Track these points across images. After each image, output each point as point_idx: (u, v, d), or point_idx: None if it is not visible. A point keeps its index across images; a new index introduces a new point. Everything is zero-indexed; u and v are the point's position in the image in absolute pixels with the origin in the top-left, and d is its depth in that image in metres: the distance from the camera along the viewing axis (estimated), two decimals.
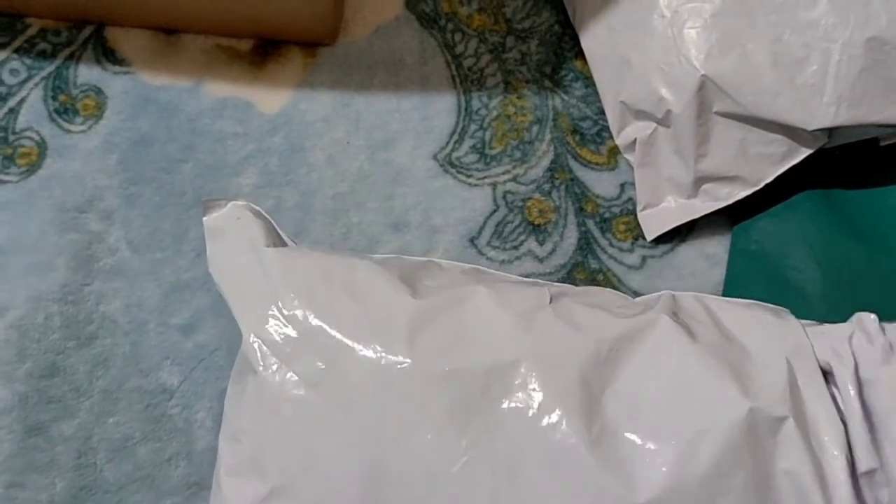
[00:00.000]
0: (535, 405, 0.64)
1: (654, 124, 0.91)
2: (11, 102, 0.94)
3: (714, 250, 0.92)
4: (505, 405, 0.64)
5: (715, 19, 0.86)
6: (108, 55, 0.97)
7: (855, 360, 0.67)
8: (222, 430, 0.69)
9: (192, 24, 0.98)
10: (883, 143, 0.88)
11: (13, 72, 0.96)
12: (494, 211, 0.93)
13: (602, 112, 0.97)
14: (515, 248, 0.91)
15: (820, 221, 0.90)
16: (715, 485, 0.61)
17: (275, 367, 0.66)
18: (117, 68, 0.97)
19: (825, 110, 0.83)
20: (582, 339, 0.67)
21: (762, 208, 0.91)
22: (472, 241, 0.91)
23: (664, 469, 0.61)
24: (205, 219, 0.74)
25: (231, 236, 0.73)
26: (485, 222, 0.92)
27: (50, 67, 0.96)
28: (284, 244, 0.75)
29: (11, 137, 0.93)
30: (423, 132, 0.96)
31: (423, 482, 0.63)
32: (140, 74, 0.97)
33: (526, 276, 0.89)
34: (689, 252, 0.92)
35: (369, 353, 0.65)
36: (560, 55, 1.01)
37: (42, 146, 0.93)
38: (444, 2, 1.03)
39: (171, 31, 0.99)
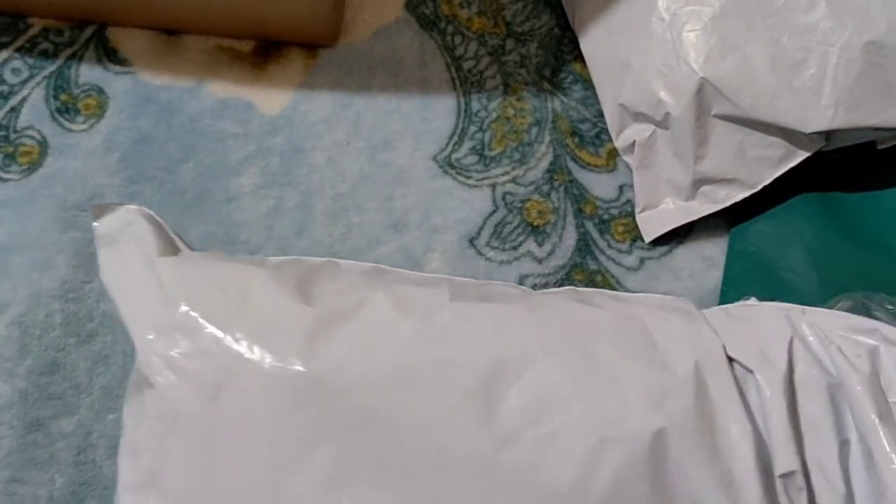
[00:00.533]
0: (435, 412, 0.63)
1: (653, 126, 0.91)
2: (13, 101, 0.95)
3: (712, 252, 0.93)
4: (404, 413, 0.63)
5: (714, 22, 0.87)
6: (109, 55, 0.98)
7: (790, 363, 0.67)
8: (121, 444, 0.67)
9: (194, 24, 0.98)
10: (880, 147, 0.88)
11: (15, 71, 0.96)
12: (494, 212, 0.93)
13: (601, 114, 0.98)
14: (514, 248, 0.92)
15: (817, 224, 0.90)
16: (616, 495, 0.61)
17: (172, 381, 0.64)
18: (119, 68, 0.97)
19: (823, 113, 0.84)
20: (483, 339, 0.66)
21: (760, 211, 0.92)
22: (471, 241, 0.92)
23: (568, 473, 0.61)
24: (95, 224, 0.72)
25: (123, 244, 0.71)
26: (484, 223, 0.93)
27: (52, 67, 0.97)
28: (178, 250, 0.73)
29: (13, 136, 0.93)
30: (423, 133, 0.97)
31: (322, 498, 0.62)
32: (141, 74, 0.97)
33: (525, 277, 0.90)
34: (687, 254, 0.92)
35: (265, 365, 0.64)
36: (559, 58, 1.02)
37: (43, 145, 0.93)
38: (445, 4, 1.04)
39: (173, 32, 0.99)
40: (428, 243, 0.91)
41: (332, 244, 0.91)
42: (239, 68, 0.98)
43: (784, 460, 0.64)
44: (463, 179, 0.95)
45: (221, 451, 0.63)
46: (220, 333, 0.65)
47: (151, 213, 0.73)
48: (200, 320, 0.65)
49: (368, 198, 0.93)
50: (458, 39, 1.02)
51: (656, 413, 0.63)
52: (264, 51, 1.00)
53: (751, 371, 0.67)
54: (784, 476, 0.64)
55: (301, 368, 0.63)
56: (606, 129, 0.97)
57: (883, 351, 0.67)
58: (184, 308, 0.66)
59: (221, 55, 0.99)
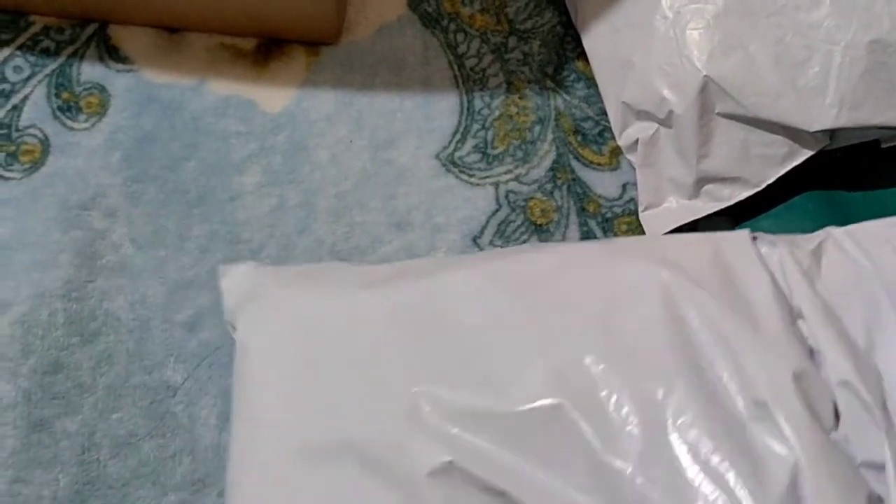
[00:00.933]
0: None
1: (656, 125, 0.91)
2: (15, 100, 0.94)
3: None
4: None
5: (717, 20, 0.87)
6: (111, 53, 0.98)
7: (819, 247, 0.73)
8: None
9: (196, 22, 0.98)
10: (884, 145, 0.88)
11: (17, 69, 0.96)
12: (497, 210, 0.93)
13: (604, 112, 0.98)
14: None
15: (821, 223, 0.89)
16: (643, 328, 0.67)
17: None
18: (121, 66, 0.97)
19: (827, 112, 0.83)
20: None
21: (763, 209, 0.91)
22: (474, 240, 0.92)
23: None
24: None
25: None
26: (487, 221, 0.93)
27: (53, 65, 0.97)
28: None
29: (15, 135, 0.93)
30: (426, 132, 0.97)
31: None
32: (143, 72, 0.97)
33: None
34: None
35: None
36: (562, 56, 1.02)
37: (45, 143, 0.93)
38: (447, 2, 1.03)
39: (175, 30, 0.99)
40: (431, 242, 0.91)
41: (334, 243, 0.91)
42: (241, 66, 0.98)
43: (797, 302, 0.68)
44: (466, 178, 0.95)
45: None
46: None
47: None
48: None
49: (371, 196, 0.93)
50: (460, 37, 1.02)
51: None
52: (266, 49, 1.00)
53: (775, 245, 0.72)
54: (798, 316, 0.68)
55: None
56: (609, 128, 0.97)
57: None
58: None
59: (223, 53, 0.99)
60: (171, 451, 0.82)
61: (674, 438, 0.62)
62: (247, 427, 0.69)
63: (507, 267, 0.73)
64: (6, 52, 0.96)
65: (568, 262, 0.73)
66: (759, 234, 0.74)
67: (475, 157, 0.96)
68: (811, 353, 0.66)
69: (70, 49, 0.97)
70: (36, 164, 0.91)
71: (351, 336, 0.70)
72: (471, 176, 0.95)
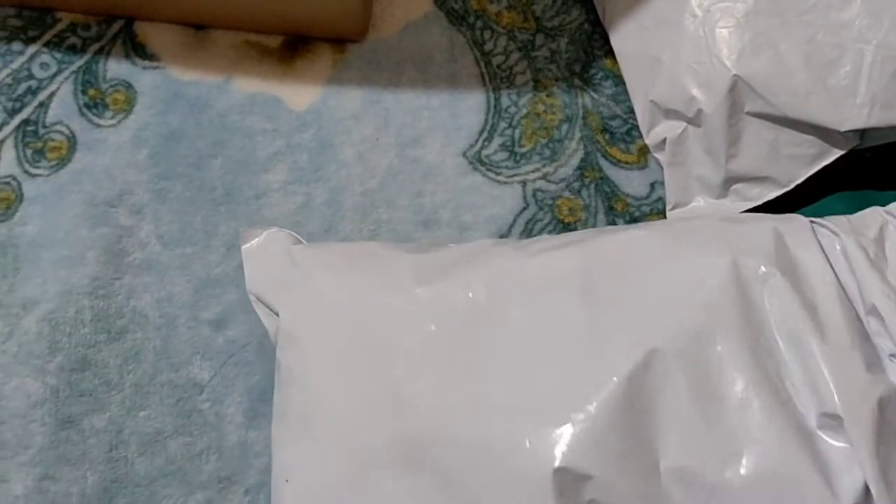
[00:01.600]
0: None
1: (685, 124, 0.90)
2: (42, 96, 0.94)
3: None
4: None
5: (747, 19, 0.86)
6: (137, 50, 0.98)
7: (881, 231, 0.72)
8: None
9: (223, 19, 0.98)
10: None
11: (43, 66, 0.96)
12: (524, 209, 0.93)
13: (632, 111, 0.97)
14: None
15: None
16: (712, 321, 0.65)
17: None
18: (147, 63, 0.97)
19: (857, 111, 0.83)
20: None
21: (792, 209, 0.91)
22: (501, 238, 0.91)
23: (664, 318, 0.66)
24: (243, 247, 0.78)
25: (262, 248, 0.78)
26: (514, 220, 0.92)
27: (80, 62, 0.97)
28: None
29: (42, 131, 0.93)
30: (453, 130, 0.96)
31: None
32: (169, 69, 0.97)
33: None
34: None
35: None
36: (590, 53, 1.01)
37: (72, 140, 0.93)
38: None
39: (201, 27, 0.99)
40: (458, 240, 0.90)
41: (361, 241, 0.90)
42: (267, 63, 0.98)
43: (868, 297, 0.67)
44: (493, 176, 0.94)
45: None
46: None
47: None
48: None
49: (398, 194, 0.93)
50: (487, 34, 1.01)
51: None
52: (292, 46, 0.99)
53: (836, 234, 0.71)
54: (870, 312, 0.67)
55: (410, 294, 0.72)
56: (637, 126, 0.96)
57: None
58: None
59: (250, 50, 0.98)
60: (197, 449, 0.82)
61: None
62: (303, 422, 0.69)
63: (572, 259, 0.72)
64: (33, 48, 0.96)
65: (632, 251, 0.72)
66: (816, 221, 0.73)
67: (502, 155, 0.95)
68: (889, 356, 0.65)
69: (96, 46, 0.97)
70: (63, 161, 0.91)
71: (414, 336, 0.69)
72: (498, 174, 0.94)
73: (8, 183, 0.90)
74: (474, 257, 0.74)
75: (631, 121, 0.97)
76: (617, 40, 0.98)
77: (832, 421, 0.62)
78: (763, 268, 0.68)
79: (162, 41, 0.98)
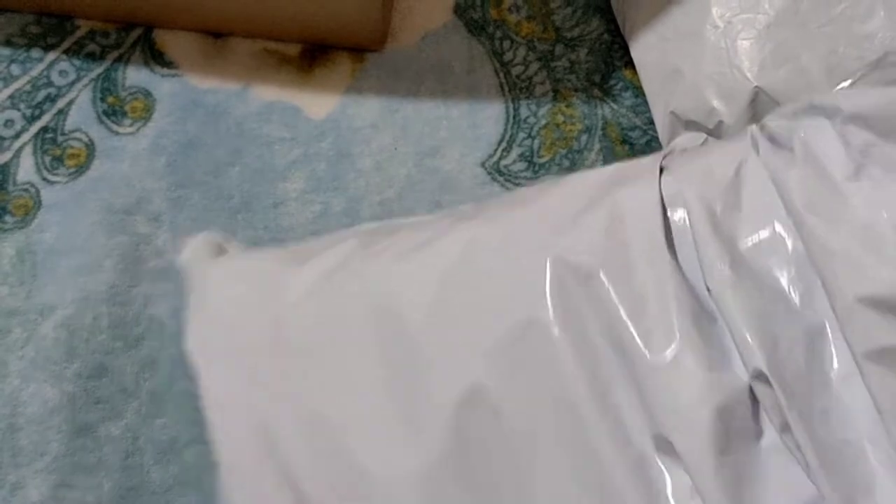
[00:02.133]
0: None
1: (705, 135, 0.90)
2: (60, 103, 0.95)
3: None
4: None
5: (768, 30, 0.86)
6: (156, 58, 0.98)
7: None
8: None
9: (241, 27, 0.98)
10: None
11: (62, 73, 0.96)
12: None
13: (651, 122, 0.97)
14: None
15: None
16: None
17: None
18: (165, 71, 0.97)
19: None
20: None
21: None
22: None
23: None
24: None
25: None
26: None
27: (99, 69, 0.97)
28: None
29: (60, 138, 0.93)
30: (471, 140, 0.96)
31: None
32: (188, 77, 0.97)
33: None
34: None
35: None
36: (609, 64, 1.01)
37: (91, 147, 0.93)
38: (493, 9, 1.03)
39: (220, 35, 0.99)
40: None
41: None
42: (286, 72, 0.98)
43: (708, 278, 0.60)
44: (512, 186, 0.94)
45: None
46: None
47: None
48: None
49: (416, 204, 0.93)
50: (506, 44, 1.01)
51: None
52: (311, 55, 0.99)
53: (681, 194, 0.63)
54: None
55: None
56: (657, 137, 0.96)
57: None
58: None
59: (268, 58, 0.98)
60: (213, 458, 0.81)
61: None
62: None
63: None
64: (52, 55, 0.97)
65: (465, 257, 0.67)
66: (670, 162, 0.66)
67: (521, 165, 0.95)
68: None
69: (115, 53, 0.97)
70: (81, 169, 0.91)
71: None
72: (517, 184, 0.94)
73: (26, 190, 0.90)
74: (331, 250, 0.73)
75: (651, 132, 0.97)
76: (637, 51, 0.97)
77: (667, 444, 0.56)
78: (587, 266, 0.61)
79: (181, 49, 0.98)
